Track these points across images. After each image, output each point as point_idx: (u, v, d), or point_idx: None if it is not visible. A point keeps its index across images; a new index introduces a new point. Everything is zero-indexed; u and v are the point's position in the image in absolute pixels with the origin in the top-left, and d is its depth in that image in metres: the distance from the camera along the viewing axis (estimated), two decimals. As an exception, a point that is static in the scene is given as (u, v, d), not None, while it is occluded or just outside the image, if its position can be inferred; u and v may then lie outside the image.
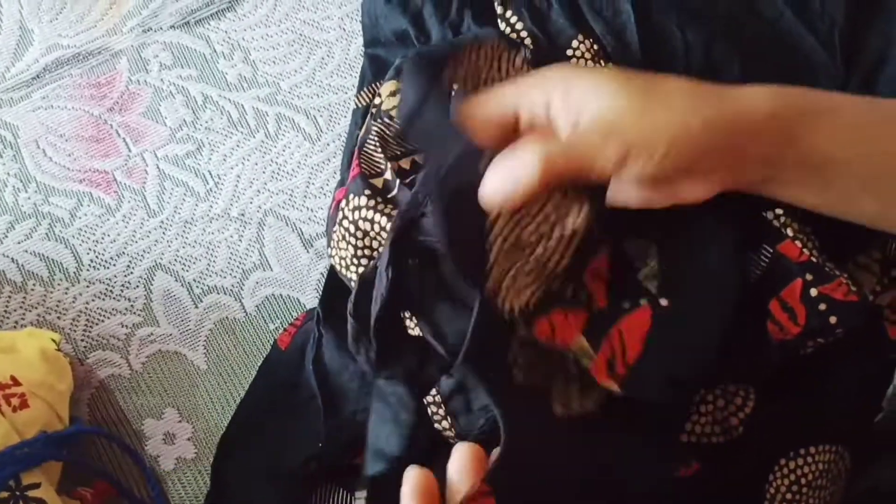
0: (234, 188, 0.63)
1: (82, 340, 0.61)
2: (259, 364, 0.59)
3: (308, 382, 0.55)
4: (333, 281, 0.56)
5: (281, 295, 0.61)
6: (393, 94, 0.53)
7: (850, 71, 0.49)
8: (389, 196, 0.51)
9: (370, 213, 0.50)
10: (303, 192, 0.63)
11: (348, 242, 0.51)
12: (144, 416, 0.60)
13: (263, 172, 0.63)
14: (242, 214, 0.62)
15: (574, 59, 0.51)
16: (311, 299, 0.61)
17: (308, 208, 0.62)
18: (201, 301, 0.61)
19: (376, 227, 0.50)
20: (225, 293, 0.61)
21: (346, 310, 0.54)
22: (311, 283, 0.61)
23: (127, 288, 0.61)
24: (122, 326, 0.61)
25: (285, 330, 0.59)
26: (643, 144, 0.35)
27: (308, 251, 0.62)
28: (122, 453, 0.59)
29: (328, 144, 0.63)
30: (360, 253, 0.51)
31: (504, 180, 0.38)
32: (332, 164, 0.63)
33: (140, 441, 0.60)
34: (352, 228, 0.51)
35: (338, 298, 0.55)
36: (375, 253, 0.51)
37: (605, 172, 0.36)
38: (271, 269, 0.62)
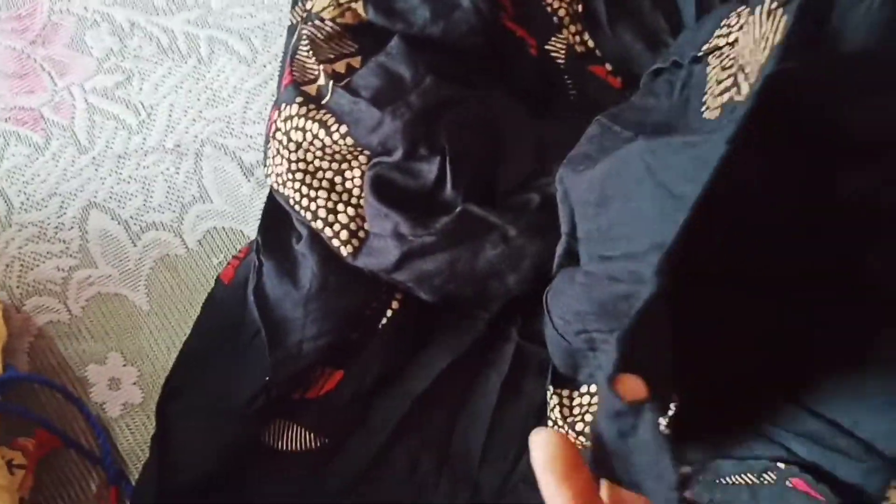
0: (167, 118, 0.58)
1: (17, 287, 0.57)
2: (203, 301, 0.55)
3: (252, 317, 0.51)
4: (272, 206, 0.52)
5: (223, 227, 0.57)
6: (323, -7, 0.49)
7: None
8: (323, 102, 0.47)
9: (302, 122, 0.46)
10: (240, 118, 0.58)
11: (282, 156, 0.48)
12: (87, 363, 0.56)
13: (198, 100, 0.59)
14: (178, 145, 0.58)
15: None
16: (253, 230, 0.57)
17: (247, 135, 0.58)
18: (140, 239, 0.57)
19: (308, 136, 0.46)
20: (164, 229, 0.57)
21: (285, 235, 0.51)
22: (254, 214, 0.57)
23: (61, 230, 0.57)
24: (59, 270, 0.57)
25: (228, 263, 0.56)
26: None
27: (249, 180, 0.58)
28: (66, 402, 0.55)
29: (265, 66, 0.59)
30: (293, 167, 0.47)
31: None
32: (269, 86, 0.58)
33: (84, 388, 0.56)
34: (284, 140, 0.47)
35: (278, 224, 0.52)
36: (311, 166, 0.47)
37: None
38: (212, 202, 0.58)
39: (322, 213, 0.47)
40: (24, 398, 0.55)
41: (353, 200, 0.47)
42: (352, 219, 0.47)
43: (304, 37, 0.48)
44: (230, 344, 0.52)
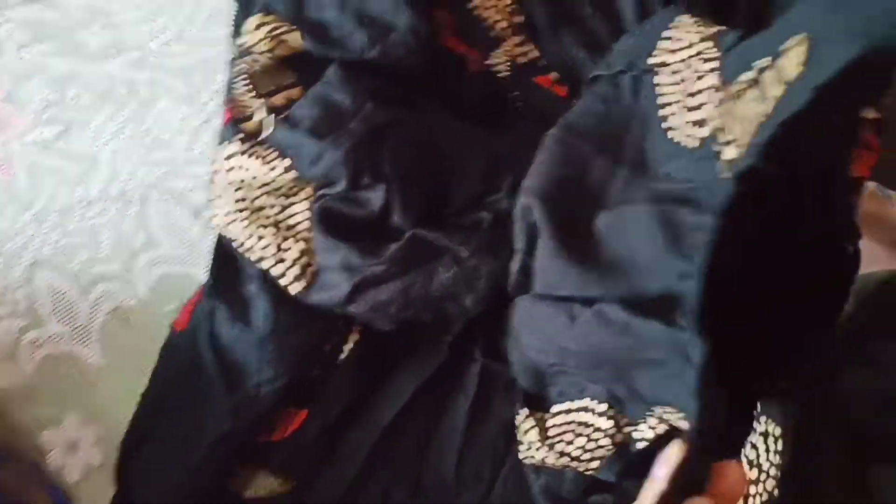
0: (110, 166, 0.57)
1: (-35, 353, 0.54)
2: (159, 351, 0.53)
3: (208, 362, 0.49)
4: (221, 248, 0.50)
5: (175, 273, 0.55)
6: (258, 27, 0.47)
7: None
8: (263, 137, 0.46)
9: (243, 160, 0.45)
10: (184, 158, 0.56)
11: (225, 197, 0.46)
12: (43, 428, 0.54)
13: (141, 144, 0.57)
14: (123, 193, 0.56)
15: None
16: (206, 273, 0.55)
17: (192, 175, 0.56)
18: (90, 292, 0.55)
19: (250, 174, 0.45)
20: (114, 280, 0.55)
21: (236, 276, 0.49)
22: (205, 256, 0.55)
23: (7, 290, 0.55)
24: (7, 333, 0.55)
25: (182, 309, 0.53)
26: None
27: (198, 221, 0.56)
28: (23, 471, 0.53)
29: (207, 104, 0.57)
30: (237, 207, 0.45)
31: None
32: (213, 123, 0.57)
33: (41, 455, 0.54)
34: (226, 181, 0.45)
35: (228, 265, 0.50)
36: (254, 204, 0.45)
37: None
38: (161, 247, 0.56)
39: (269, 251, 0.45)
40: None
41: (301, 236, 0.45)
42: (301, 254, 0.45)
43: (241, 72, 0.46)
44: (189, 393, 0.50)
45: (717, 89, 0.38)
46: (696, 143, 0.40)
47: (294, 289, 0.45)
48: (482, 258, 0.44)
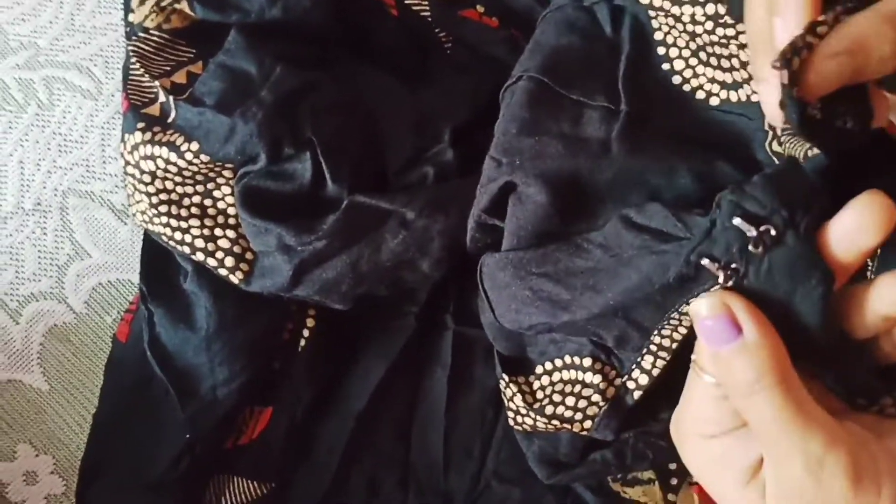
0: (20, 177, 0.51)
1: None
2: (104, 366, 0.49)
3: (156, 371, 0.45)
4: (150, 246, 0.46)
5: (109, 281, 0.51)
6: (142, 1, 0.42)
7: None
8: (168, 121, 0.41)
9: (149, 149, 0.40)
10: (99, 158, 0.51)
11: (140, 191, 0.41)
12: (-5, 462, 0.50)
13: (48, 149, 0.51)
14: (39, 204, 0.51)
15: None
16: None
17: (110, 175, 0.51)
18: (21, 315, 0.50)
19: (160, 163, 0.40)
20: (46, 298, 0.51)
21: (171, 275, 0.45)
22: (137, 258, 0.50)
23: (-69, 325, 0.50)
24: (-61, 370, 0.50)
25: (122, 319, 0.49)
26: None
27: (125, 223, 0.51)
28: (-19, 512, 0.49)
29: (113, 95, 0.52)
30: (154, 200, 0.41)
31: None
32: (123, 116, 0.51)
33: (-1, 491, 0.50)
34: (137, 173, 0.41)
35: (160, 265, 0.45)
36: (173, 195, 0.41)
37: None
38: (90, 256, 0.51)
39: (200, 242, 0.40)
40: (-69, 521, 0.48)
41: (231, 221, 0.41)
42: (234, 242, 0.41)
43: (131, 54, 0.41)
44: (141, 406, 0.46)
45: None
46: (716, 102, 0.36)
47: (234, 279, 0.41)
48: (432, 217, 0.40)
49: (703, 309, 0.27)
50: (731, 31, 0.36)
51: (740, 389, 0.26)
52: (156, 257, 0.45)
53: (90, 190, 0.51)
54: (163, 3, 0.40)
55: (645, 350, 0.36)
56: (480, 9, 0.46)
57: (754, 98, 0.36)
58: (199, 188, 0.41)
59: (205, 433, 0.44)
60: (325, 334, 0.46)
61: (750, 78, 0.36)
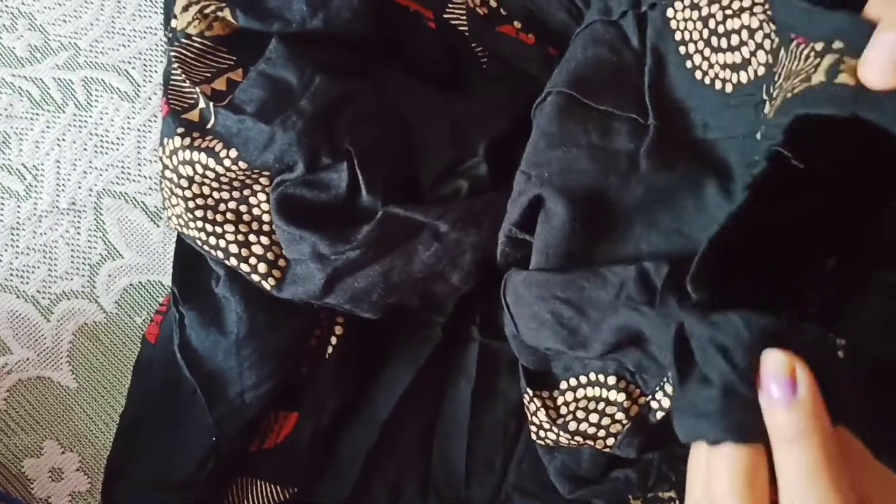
0: (56, 176, 0.52)
1: (-72, 392, 0.50)
2: (133, 366, 0.49)
3: (185, 373, 0.45)
4: (183, 249, 0.46)
5: (140, 282, 0.51)
6: (186, 8, 0.42)
7: None
8: (207, 127, 0.41)
9: (188, 154, 0.40)
10: (135, 159, 0.52)
11: (177, 196, 0.42)
12: (22, 457, 0.50)
13: (85, 149, 0.52)
14: (74, 203, 0.52)
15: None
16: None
17: (145, 177, 0.52)
18: (52, 313, 0.51)
19: (199, 168, 0.40)
20: (77, 297, 0.51)
21: (203, 279, 0.45)
22: (169, 261, 0.50)
23: (-36, 319, 0.51)
24: (-30, 364, 0.51)
25: (152, 321, 0.49)
26: None
27: (158, 225, 0.51)
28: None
29: (150, 99, 0.52)
30: (191, 205, 0.41)
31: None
32: (160, 119, 0.52)
33: (24, 485, 0.50)
34: (175, 177, 0.41)
35: (192, 268, 0.46)
36: (210, 200, 0.41)
37: None
38: (122, 257, 0.51)
39: (234, 248, 0.41)
40: (-42, 513, 0.49)
41: (265, 228, 0.41)
42: (267, 248, 0.41)
43: (173, 59, 0.42)
44: (169, 407, 0.46)
45: (766, 35, 0.33)
46: (730, 89, 0.36)
47: (266, 285, 0.41)
48: (465, 230, 0.40)
49: (776, 364, 0.27)
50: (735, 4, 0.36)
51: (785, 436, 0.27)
52: (188, 260, 0.45)
53: (125, 191, 0.51)
54: (206, 11, 0.41)
55: (665, 380, 0.36)
56: (518, 25, 0.46)
57: (760, 72, 0.35)
58: (236, 194, 0.41)
59: (231, 436, 0.44)
60: (353, 342, 0.46)
61: (755, 52, 0.35)
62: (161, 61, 0.53)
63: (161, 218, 0.51)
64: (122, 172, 0.52)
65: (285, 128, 0.38)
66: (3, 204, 0.52)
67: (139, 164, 0.52)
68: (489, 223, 0.40)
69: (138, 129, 0.52)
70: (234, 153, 0.39)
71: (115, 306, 0.51)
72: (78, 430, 0.50)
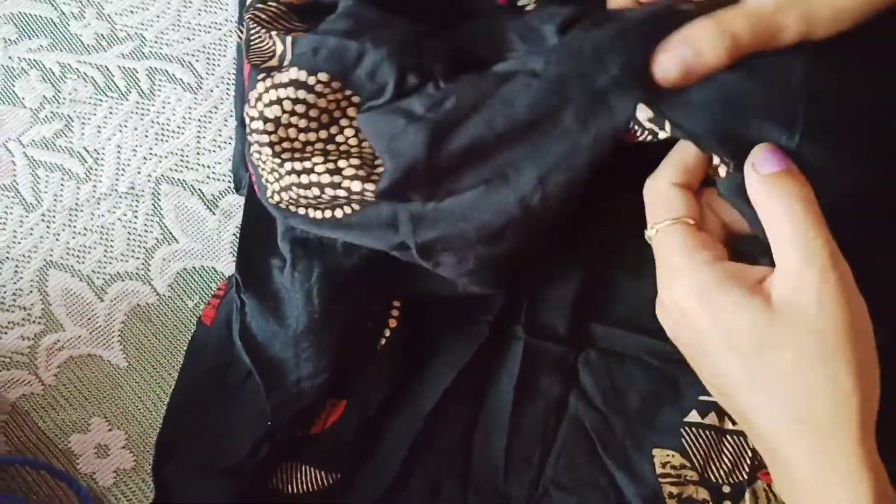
0: (116, 161, 0.53)
1: (-19, 364, 0.51)
2: (184, 350, 0.50)
3: (241, 358, 0.46)
4: (248, 238, 0.47)
5: (194, 267, 0.52)
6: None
7: None
8: (285, 64, 0.40)
9: (273, 94, 0.39)
10: (194, 149, 0.53)
11: (265, 145, 0.40)
12: (69, 433, 0.51)
13: (146, 136, 0.53)
14: (132, 188, 0.53)
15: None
16: (226, 265, 0.52)
17: (203, 165, 0.53)
18: (106, 293, 0.52)
19: (287, 105, 0.39)
20: (131, 278, 0.52)
21: (265, 268, 0.46)
22: (223, 248, 0.52)
23: (19, 296, 0.52)
24: (23, 339, 0.51)
25: (208, 303, 0.50)
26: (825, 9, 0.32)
27: (214, 213, 0.53)
28: (53, 478, 0.50)
29: (212, 91, 0.54)
30: (277, 149, 0.39)
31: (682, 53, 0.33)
32: (220, 111, 0.53)
33: (70, 461, 0.51)
34: (261, 126, 0.39)
35: (255, 256, 0.47)
36: (296, 143, 0.39)
37: (787, 42, 0.33)
38: (177, 241, 0.52)
39: (325, 178, 0.38)
40: (8, 483, 0.49)
41: (354, 151, 0.40)
42: (358, 168, 0.39)
43: (249, 21, 0.42)
44: (220, 391, 0.47)
45: None
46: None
47: (368, 191, 0.38)
48: (562, 64, 0.36)
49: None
50: None
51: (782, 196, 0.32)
52: (253, 249, 0.46)
53: (183, 178, 0.53)
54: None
55: None
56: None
57: None
58: (323, 134, 0.39)
59: (285, 423, 0.45)
60: (404, 334, 0.47)
61: None
62: (223, 55, 0.54)
63: (217, 206, 0.52)
64: (182, 160, 0.53)
65: (375, 44, 0.37)
66: (63, 185, 0.53)
67: (198, 153, 0.53)
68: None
69: (199, 120, 0.53)
70: (323, 76, 0.38)
71: (168, 289, 0.52)
72: (126, 408, 0.51)
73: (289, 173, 0.39)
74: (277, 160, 0.39)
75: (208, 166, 0.53)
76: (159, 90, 0.54)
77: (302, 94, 0.38)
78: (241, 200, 0.50)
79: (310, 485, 0.47)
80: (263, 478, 0.46)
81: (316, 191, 0.39)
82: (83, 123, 0.53)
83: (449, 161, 0.37)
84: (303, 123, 0.39)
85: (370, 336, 0.45)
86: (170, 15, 0.54)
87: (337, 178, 0.38)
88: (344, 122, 0.40)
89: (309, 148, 0.40)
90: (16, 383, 0.51)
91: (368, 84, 0.38)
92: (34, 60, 0.54)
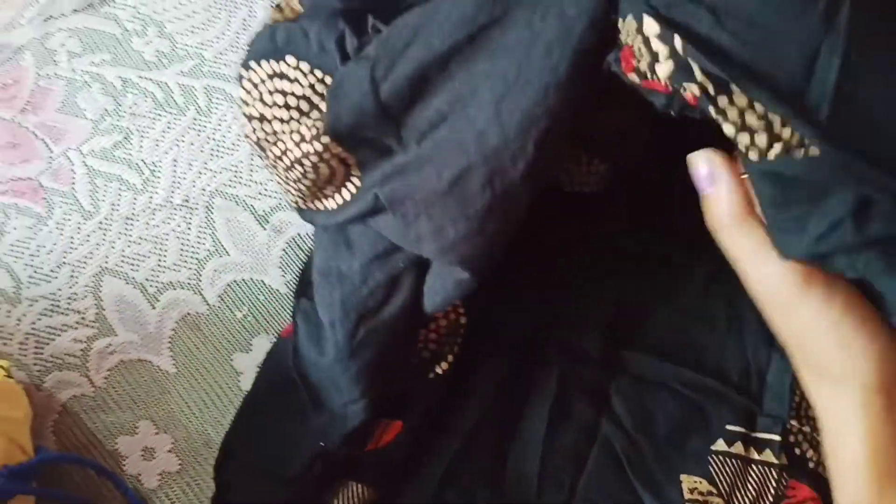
0: (172, 174, 0.55)
1: (35, 364, 0.53)
2: (231, 358, 0.52)
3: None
4: (307, 264, 0.49)
5: (243, 279, 0.54)
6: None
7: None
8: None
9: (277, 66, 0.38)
10: (247, 165, 0.55)
11: (281, 120, 0.38)
12: (117, 435, 0.53)
13: (202, 151, 0.55)
14: (187, 200, 0.55)
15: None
16: (275, 279, 0.54)
17: (256, 182, 0.55)
18: (158, 300, 0.54)
19: (286, 84, 0.38)
20: (182, 288, 0.54)
21: (312, 295, 0.47)
22: (272, 262, 0.54)
23: (74, 300, 0.54)
24: (77, 342, 0.53)
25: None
26: None
27: (264, 228, 0.54)
28: (100, 478, 0.52)
29: (267, 110, 0.56)
30: (291, 114, 0.38)
31: None
32: (274, 130, 0.55)
33: (117, 462, 0.52)
34: (271, 111, 0.38)
35: (306, 284, 0.48)
36: (277, 134, 0.39)
37: None
38: (228, 254, 0.54)
39: (297, 151, 0.38)
40: (57, 480, 0.51)
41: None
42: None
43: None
44: (287, 403, 0.48)
45: None
46: None
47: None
48: None
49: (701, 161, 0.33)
50: None
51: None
52: (308, 272, 0.48)
53: (235, 193, 0.55)
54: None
55: None
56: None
57: None
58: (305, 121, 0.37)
59: (336, 444, 0.46)
60: (458, 366, 0.48)
61: None
62: (279, 77, 0.56)
63: (268, 222, 0.54)
64: (235, 176, 0.55)
65: (311, 19, 0.36)
66: (120, 195, 0.55)
67: (251, 170, 0.55)
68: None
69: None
70: (291, 60, 0.36)
71: (218, 300, 0.54)
72: (173, 413, 0.53)
73: (276, 159, 0.39)
74: (293, 125, 0.38)
75: (260, 183, 0.55)
76: (216, 108, 0.56)
77: (277, 83, 0.37)
78: (291, 217, 0.52)
79: (353, 499, 0.48)
80: (318, 493, 0.47)
81: (299, 168, 0.37)
82: (142, 136, 0.55)
83: (398, 94, 0.33)
84: (283, 114, 0.38)
85: (420, 365, 0.47)
86: (228, 37, 0.56)
87: (305, 146, 0.37)
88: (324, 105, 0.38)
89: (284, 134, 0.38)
90: (67, 384, 0.53)
91: (326, 58, 0.36)
92: (96, 74, 0.56)
